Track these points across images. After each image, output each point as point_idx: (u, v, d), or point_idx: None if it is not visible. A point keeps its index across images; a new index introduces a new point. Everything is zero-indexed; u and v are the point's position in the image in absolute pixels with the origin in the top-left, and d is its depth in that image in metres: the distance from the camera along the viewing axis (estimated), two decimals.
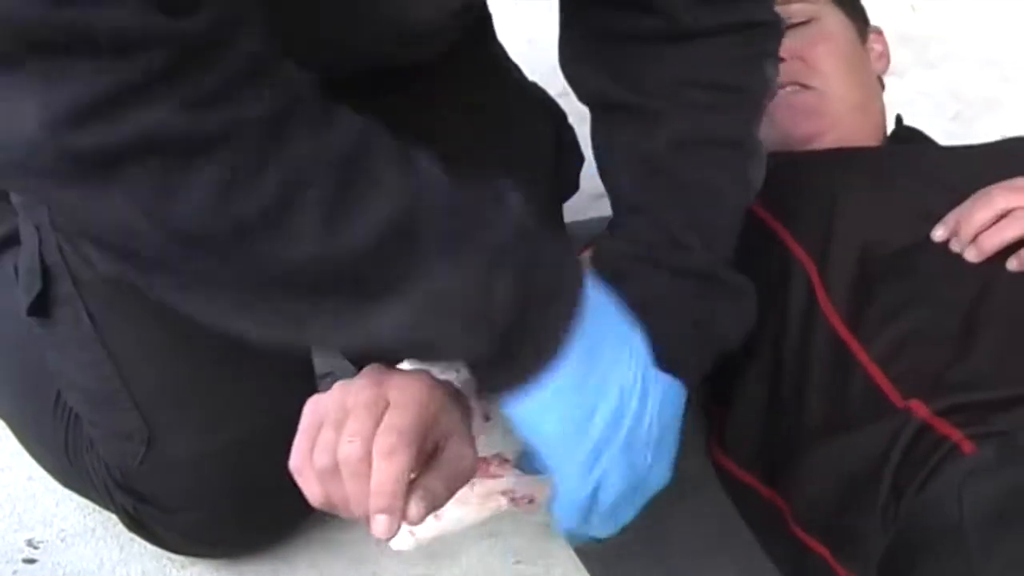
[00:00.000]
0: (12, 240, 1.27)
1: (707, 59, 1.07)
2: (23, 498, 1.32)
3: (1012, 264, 1.14)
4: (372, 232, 0.82)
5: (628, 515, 0.99)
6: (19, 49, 0.74)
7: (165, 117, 0.76)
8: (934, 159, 1.33)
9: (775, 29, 1.12)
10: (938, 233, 1.18)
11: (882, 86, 1.46)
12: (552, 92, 1.37)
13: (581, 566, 1.21)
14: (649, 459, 0.95)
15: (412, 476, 0.89)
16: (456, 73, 1.21)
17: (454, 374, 0.96)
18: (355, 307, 0.85)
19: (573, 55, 1.13)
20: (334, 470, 0.88)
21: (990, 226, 1.15)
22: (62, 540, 1.28)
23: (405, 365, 0.94)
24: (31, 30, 0.73)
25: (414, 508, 0.88)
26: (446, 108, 1.22)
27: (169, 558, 1.25)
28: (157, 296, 0.87)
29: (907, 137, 1.43)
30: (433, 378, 0.93)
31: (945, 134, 1.54)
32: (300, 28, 0.83)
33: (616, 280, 1.03)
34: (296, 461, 0.91)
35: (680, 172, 1.07)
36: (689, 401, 1.01)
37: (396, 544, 0.96)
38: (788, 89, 1.35)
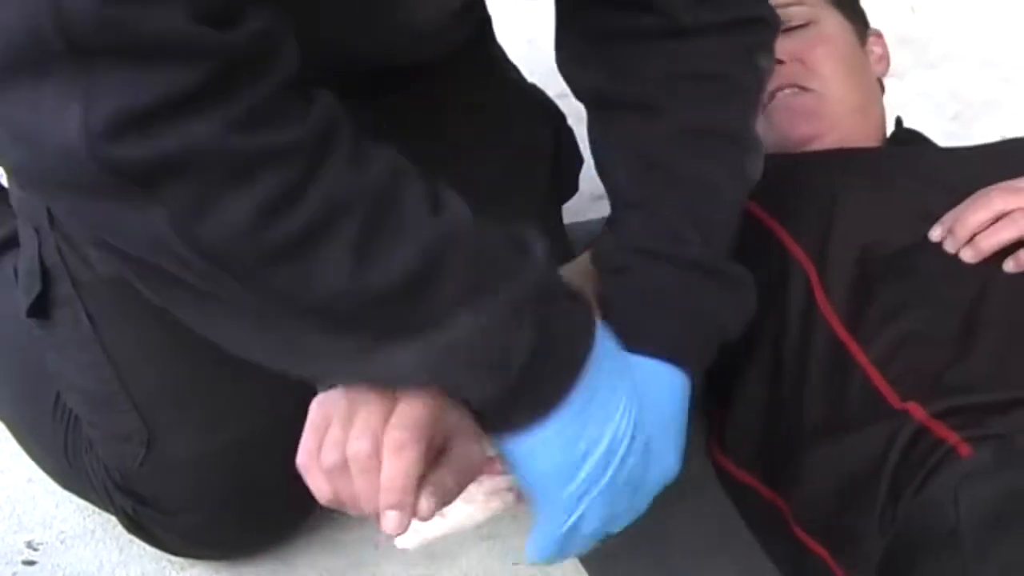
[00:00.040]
0: (12, 242, 1.27)
1: (703, 53, 1.08)
2: (23, 500, 1.32)
3: (1009, 265, 1.14)
4: (399, 270, 0.82)
5: (625, 521, 0.99)
6: (61, 52, 0.73)
7: (209, 133, 0.75)
8: (933, 160, 1.33)
9: (769, 23, 1.12)
10: (935, 233, 1.18)
11: (882, 89, 1.46)
12: (552, 93, 1.37)
13: (580, 567, 1.21)
14: (626, 502, 0.96)
15: (421, 472, 0.89)
16: (456, 73, 1.21)
17: None
18: (370, 347, 0.84)
19: (570, 52, 1.13)
20: (343, 467, 0.88)
21: (987, 227, 1.15)
22: (61, 542, 1.28)
23: None
24: (75, 28, 0.72)
25: (425, 503, 0.89)
26: (446, 108, 1.22)
27: (169, 560, 1.25)
28: (169, 308, 0.87)
29: (907, 139, 1.43)
30: None
31: (945, 135, 1.54)
32: (301, 28, 0.82)
33: (616, 273, 1.04)
34: (303, 458, 0.90)
35: (678, 166, 1.07)
36: (694, 393, 1.02)
37: (402, 542, 0.96)
38: (787, 91, 1.36)
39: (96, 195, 0.77)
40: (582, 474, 0.92)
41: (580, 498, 0.93)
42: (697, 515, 1.20)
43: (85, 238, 1.09)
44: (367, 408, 0.89)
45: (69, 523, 1.29)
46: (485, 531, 1.22)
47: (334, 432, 0.89)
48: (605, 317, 1.02)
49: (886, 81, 1.47)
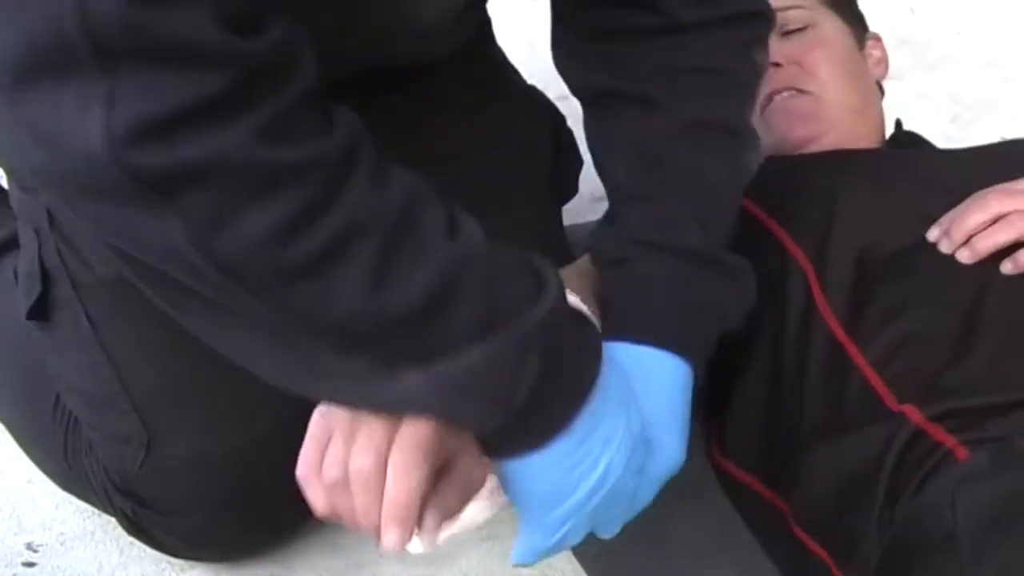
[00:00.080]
0: (12, 244, 1.27)
1: (701, 49, 1.08)
2: (22, 501, 1.32)
3: (1006, 267, 1.14)
4: (417, 292, 0.81)
5: (629, 515, 0.99)
6: (86, 54, 0.72)
7: (232, 142, 0.75)
8: (932, 162, 1.34)
9: (766, 18, 1.13)
10: (933, 234, 1.18)
11: (881, 92, 1.46)
12: (552, 95, 1.37)
13: (580, 568, 1.21)
14: (619, 509, 0.97)
15: (425, 492, 0.88)
16: (456, 74, 1.21)
17: None
18: (379, 371, 0.84)
19: (568, 50, 1.13)
20: (344, 483, 0.88)
21: (984, 229, 1.15)
22: (61, 544, 1.28)
23: None
24: (101, 31, 0.72)
25: (430, 520, 0.89)
26: (446, 108, 1.22)
27: (168, 562, 1.25)
28: (178, 318, 0.86)
29: (906, 142, 1.43)
30: None
31: (944, 136, 1.55)
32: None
33: (617, 265, 1.04)
34: (304, 470, 0.90)
35: (677, 160, 1.07)
36: (696, 384, 1.02)
37: (414, 547, 0.95)
38: (785, 94, 1.36)
39: (116, 200, 0.76)
40: (571, 501, 0.93)
41: (565, 520, 0.94)
42: (697, 515, 1.20)
43: (88, 241, 1.09)
44: (370, 424, 0.88)
45: (69, 525, 1.29)
46: (485, 531, 1.22)
47: (336, 447, 0.88)
48: (605, 309, 1.03)
49: (885, 83, 1.47)
